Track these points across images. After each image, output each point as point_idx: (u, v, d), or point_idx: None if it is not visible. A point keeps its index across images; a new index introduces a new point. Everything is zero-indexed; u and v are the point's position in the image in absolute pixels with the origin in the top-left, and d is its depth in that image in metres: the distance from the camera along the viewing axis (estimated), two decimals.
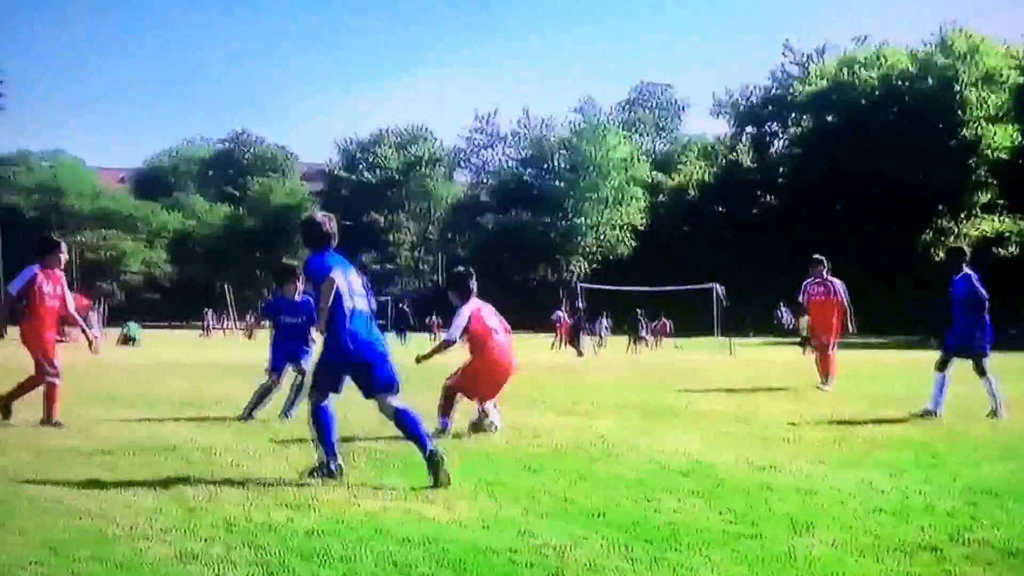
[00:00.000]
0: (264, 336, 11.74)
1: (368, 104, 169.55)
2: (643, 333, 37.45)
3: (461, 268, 9.28)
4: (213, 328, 58.98)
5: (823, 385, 13.82)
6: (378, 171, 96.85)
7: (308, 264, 6.58)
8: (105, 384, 14.40)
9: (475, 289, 8.98)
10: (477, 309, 8.84)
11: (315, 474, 6.40)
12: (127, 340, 36.75)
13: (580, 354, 29.52)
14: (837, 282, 14.23)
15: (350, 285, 6.54)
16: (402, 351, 13.87)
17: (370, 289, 6.95)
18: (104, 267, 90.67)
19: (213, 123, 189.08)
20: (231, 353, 28.01)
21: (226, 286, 64.86)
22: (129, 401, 11.83)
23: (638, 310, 37.47)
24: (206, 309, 62.91)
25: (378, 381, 6.37)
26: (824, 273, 14.28)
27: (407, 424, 6.33)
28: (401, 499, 5.77)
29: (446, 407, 8.73)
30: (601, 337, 38.29)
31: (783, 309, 46.29)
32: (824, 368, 14.10)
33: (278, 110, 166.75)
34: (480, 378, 8.78)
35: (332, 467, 6.43)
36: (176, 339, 45.33)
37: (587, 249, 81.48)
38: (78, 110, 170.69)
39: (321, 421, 6.48)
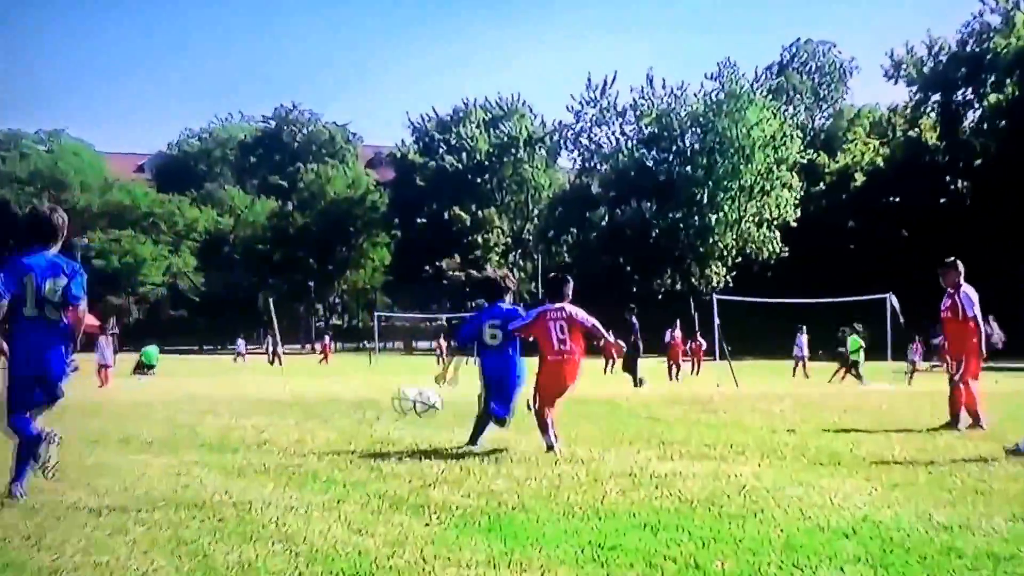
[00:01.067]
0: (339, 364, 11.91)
1: (450, 71, 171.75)
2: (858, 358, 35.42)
3: (557, 274, 11.15)
4: (247, 353, 60.23)
5: (958, 426, 13.51)
6: (463, 155, 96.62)
7: None
8: (116, 423, 14.80)
9: (569, 295, 10.99)
10: (545, 314, 10.83)
11: None
12: (142, 367, 37.41)
13: (638, 383, 27.96)
14: (967, 294, 13.76)
15: None
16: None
17: None
18: (117, 277, 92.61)
19: (254, 98, 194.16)
20: (272, 384, 28.48)
21: (270, 300, 65.83)
22: (145, 444, 12.09)
23: (851, 326, 36.49)
24: (240, 339, 64.18)
25: None
26: (957, 281, 13.87)
27: None
28: (487, 566, 5.76)
29: (541, 424, 10.72)
30: (803, 362, 38.50)
31: (991, 324, 44.84)
32: (954, 406, 13.83)
33: (335, 79, 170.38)
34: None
35: None
36: (206, 366, 46.33)
37: (725, 251, 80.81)
38: (83, 80, 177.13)
39: None
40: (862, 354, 34.06)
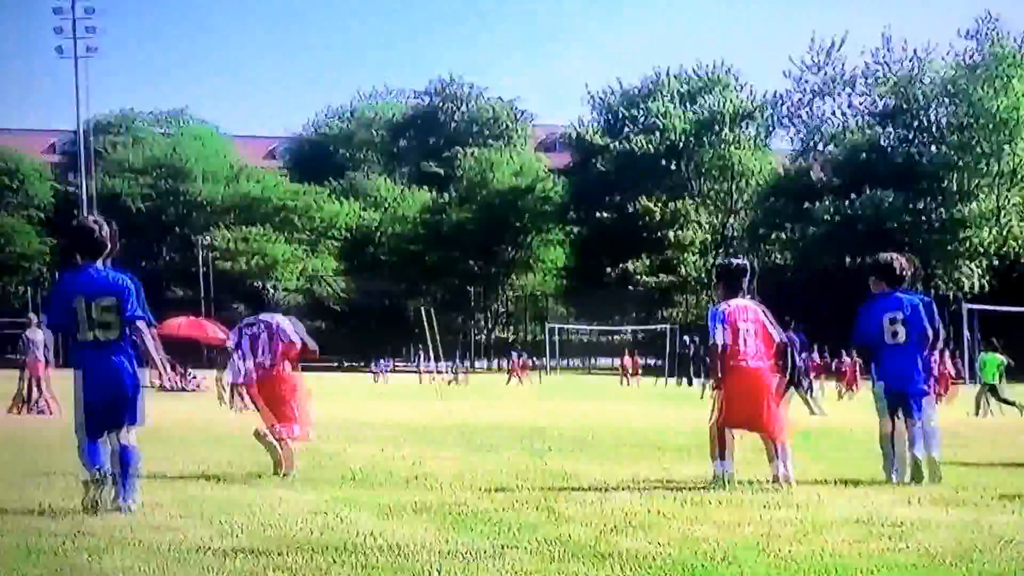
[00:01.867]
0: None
1: (639, 35, 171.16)
2: None
3: (728, 260, 11.92)
4: (391, 372, 61.19)
5: None
6: (654, 135, 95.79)
7: None
8: (248, 452, 15.23)
9: (745, 287, 11.42)
10: (730, 311, 11.20)
11: None
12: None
13: (813, 411, 28.32)
14: None
15: None
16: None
17: None
18: (245, 281, 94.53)
19: (405, 70, 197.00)
20: (425, 407, 28.91)
21: (423, 309, 66.64)
22: (281, 477, 12.42)
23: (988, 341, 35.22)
24: (381, 359, 65.05)
25: None
26: None
27: None
28: None
29: (715, 448, 11.07)
30: None
31: None
32: None
33: (500, 46, 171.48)
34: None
35: None
36: (348, 386, 47.19)
37: (980, 249, 78.62)
38: (206, 53, 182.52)
39: None
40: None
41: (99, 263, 9.69)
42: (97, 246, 9.72)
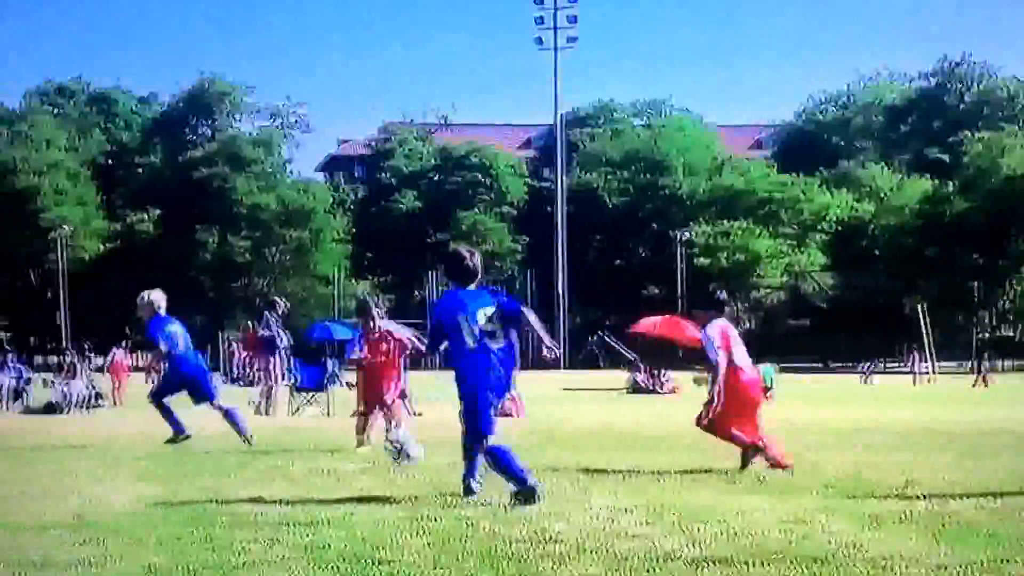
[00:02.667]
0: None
1: None
2: None
3: None
4: (880, 372, 59.90)
5: None
6: None
7: None
8: (716, 456, 15.26)
9: None
10: None
11: None
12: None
13: None
14: None
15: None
16: None
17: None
18: (725, 278, 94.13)
19: (910, 51, 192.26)
20: (917, 410, 28.15)
21: (919, 306, 65.18)
22: (757, 482, 12.47)
23: None
24: (872, 362, 63.83)
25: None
26: None
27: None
28: None
29: None
30: None
31: None
32: None
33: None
34: None
35: None
36: (832, 388, 46.51)
37: None
38: (684, 42, 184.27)
39: None
40: None
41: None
42: (469, 273, 11.34)
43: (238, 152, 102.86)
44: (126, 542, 8.48)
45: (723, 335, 13.58)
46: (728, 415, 13.44)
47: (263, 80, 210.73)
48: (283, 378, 28.85)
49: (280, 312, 28.46)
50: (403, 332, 16.82)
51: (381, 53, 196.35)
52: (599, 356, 77.04)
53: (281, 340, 27.81)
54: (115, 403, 36.19)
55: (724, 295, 14.69)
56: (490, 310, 10.87)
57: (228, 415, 16.78)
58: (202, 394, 16.94)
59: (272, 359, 27.69)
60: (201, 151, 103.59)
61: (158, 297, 16.97)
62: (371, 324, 16.38)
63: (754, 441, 13.43)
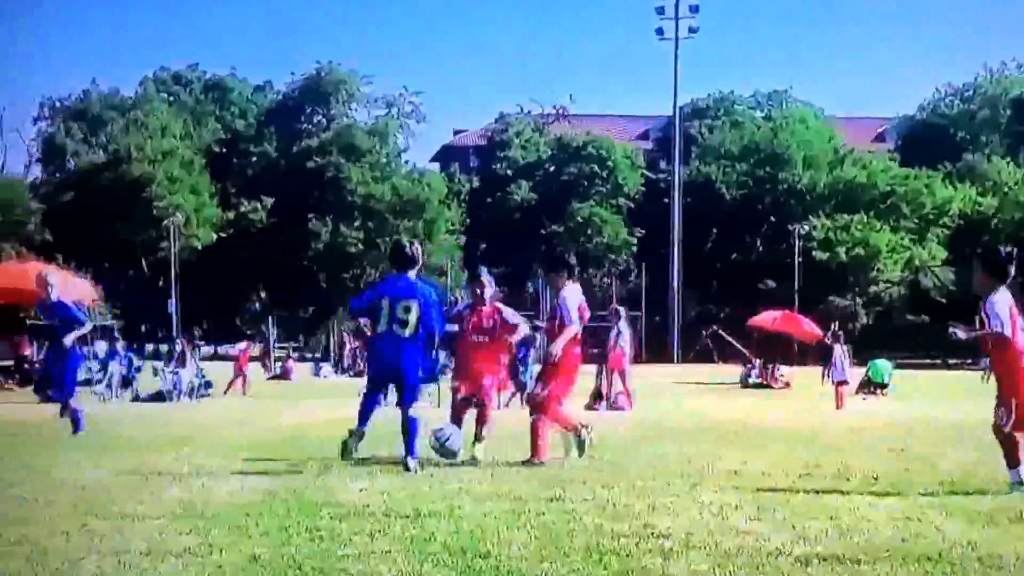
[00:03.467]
0: None
1: None
2: None
3: None
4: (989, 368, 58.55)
5: None
6: None
7: None
8: (830, 452, 15.13)
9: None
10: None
11: None
12: (870, 386, 38.02)
13: None
14: None
15: None
16: None
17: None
18: (843, 273, 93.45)
19: None
20: None
21: None
22: (869, 479, 12.32)
23: None
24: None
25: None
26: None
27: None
28: None
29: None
30: None
31: None
32: None
33: None
34: None
35: None
36: (950, 385, 45.76)
37: None
38: (808, 35, 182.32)
39: None
40: None
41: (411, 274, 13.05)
42: (407, 260, 13.06)
43: (353, 142, 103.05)
44: (230, 532, 8.62)
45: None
46: None
47: (379, 69, 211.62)
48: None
49: None
50: (516, 317, 15.54)
51: (498, 43, 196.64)
52: (712, 350, 76.67)
53: None
54: (243, 393, 36.60)
55: None
56: (413, 305, 12.75)
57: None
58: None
59: None
60: (315, 140, 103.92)
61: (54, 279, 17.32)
62: (480, 295, 14.99)
63: None
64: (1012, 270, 11.45)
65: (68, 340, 16.81)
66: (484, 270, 15.74)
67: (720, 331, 73.79)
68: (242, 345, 44.46)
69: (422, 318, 12.78)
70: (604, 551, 7.85)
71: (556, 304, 14.12)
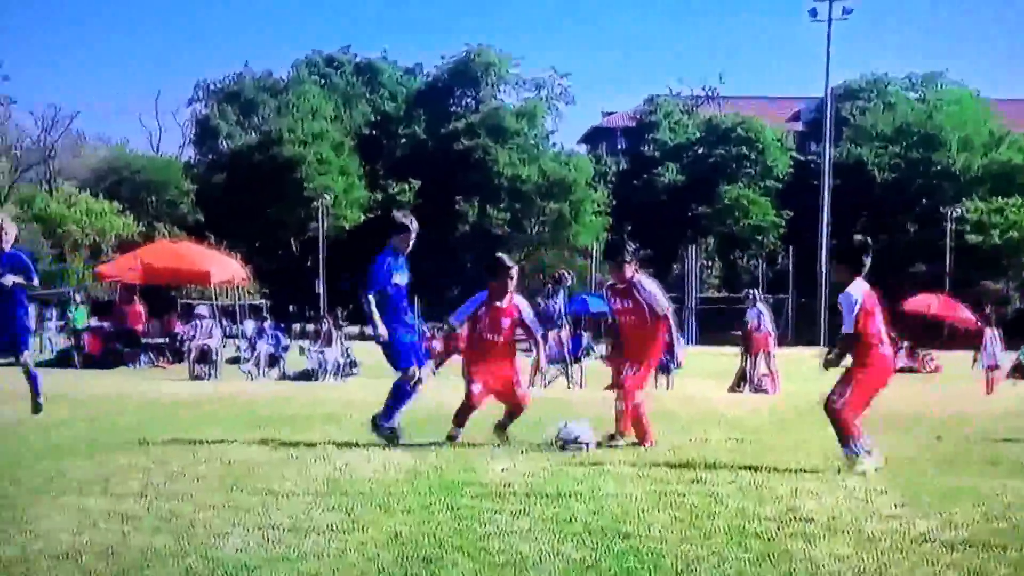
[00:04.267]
0: None
1: None
2: None
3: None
4: None
5: None
6: None
7: None
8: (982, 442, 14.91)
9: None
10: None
11: None
12: (1022, 370, 37.62)
13: None
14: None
15: None
16: None
17: None
18: (996, 257, 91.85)
19: None
20: None
21: None
22: (1017, 465, 12.11)
23: None
24: None
25: None
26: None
27: None
28: None
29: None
30: None
31: None
32: None
33: None
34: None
35: None
36: None
37: None
38: (958, 16, 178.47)
39: None
40: None
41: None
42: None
43: (501, 124, 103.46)
44: (373, 510, 8.74)
45: None
46: None
47: (528, 51, 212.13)
48: (568, 352, 28.86)
49: (566, 287, 28.60)
50: (535, 322, 14.65)
51: (648, 24, 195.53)
52: None
53: (560, 316, 27.75)
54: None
55: None
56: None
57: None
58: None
59: (552, 333, 27.06)
60: (464, 122, 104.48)
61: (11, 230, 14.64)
62: (505, 287, 14.07)
63: None
64: (868, 261, 11.62)
65: (7, 281, 14.31)
66: (509, 261, 14.67)
67: None
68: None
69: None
70: (746, 534, 7.84)
71: (636, 294, 13.45)
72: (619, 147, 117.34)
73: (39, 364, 36.06)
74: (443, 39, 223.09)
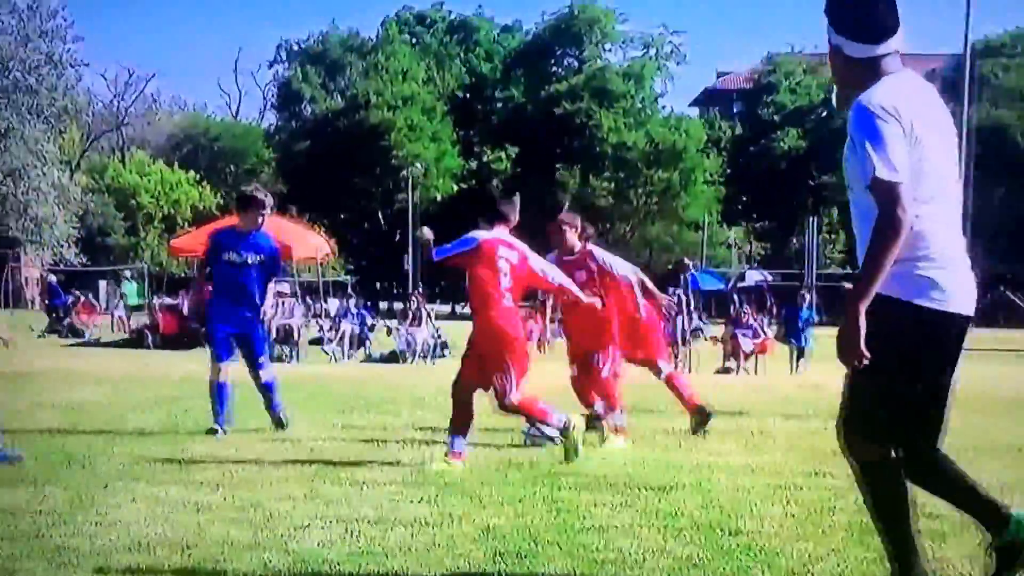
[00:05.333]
0: None
1: None
2: None
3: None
4: None
5: None
6: None
7: None
8: None
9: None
10: None
11: None
12: None
13: None
14: None
15: None
16: None
17: None
18: None
19: None
20: None
21: None
22: None
23: None
24: None
25: None
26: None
27: None
28: None
29: None
30: None
31: None
32: None
33: None
34: None
35: None
36: None
37: None
38: None
39: None
40: None
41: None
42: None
43: (606, 85, 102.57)
44: (464, 501, 8.80)
45: None
46: None
47: (637, 6, 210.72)
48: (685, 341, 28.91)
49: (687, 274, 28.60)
50: (624, 267, 13.14)
51: None
52: (998, 313, 74.85)
53: (681, 302, 27.58)
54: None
55: None
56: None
57: None
58: None
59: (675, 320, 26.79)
60: (565, 84, 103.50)
61: None
62: (573, 237, 13.03)
63: None
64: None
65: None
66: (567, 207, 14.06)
67: (1008, 292, 72.17)
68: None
69: None
70: (868, 530, 7.79)
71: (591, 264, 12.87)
72: (734, 111, 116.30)
73: (110, 344, 36.78)
74: None
